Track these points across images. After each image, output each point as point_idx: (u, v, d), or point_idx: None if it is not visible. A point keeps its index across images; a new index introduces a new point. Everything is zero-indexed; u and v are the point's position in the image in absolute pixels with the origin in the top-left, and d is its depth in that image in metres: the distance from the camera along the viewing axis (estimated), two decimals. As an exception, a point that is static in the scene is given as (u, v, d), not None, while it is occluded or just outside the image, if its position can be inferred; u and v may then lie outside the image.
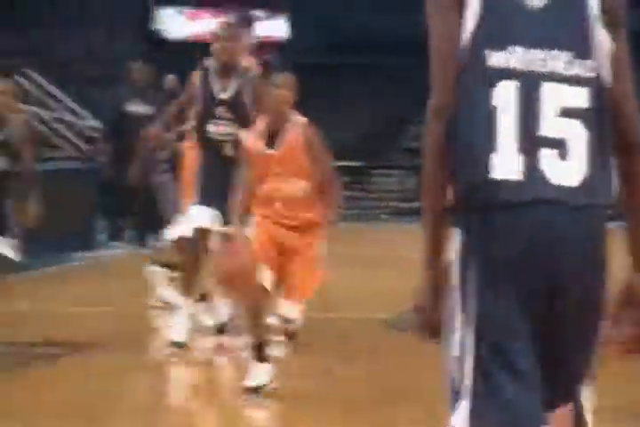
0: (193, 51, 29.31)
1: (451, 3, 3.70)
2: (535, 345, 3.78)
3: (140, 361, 10.78)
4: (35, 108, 21.74)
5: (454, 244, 3.77)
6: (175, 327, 10.18)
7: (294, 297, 7.54)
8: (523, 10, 3.76)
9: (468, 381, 3.76)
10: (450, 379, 3.83)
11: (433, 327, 3.84)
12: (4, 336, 10.68)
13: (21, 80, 21.29)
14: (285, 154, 7.16)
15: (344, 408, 8.63)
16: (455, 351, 3.81)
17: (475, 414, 3.74)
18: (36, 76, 23.73)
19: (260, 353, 8.27)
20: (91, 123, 22.80)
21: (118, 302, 13.22)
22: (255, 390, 8.52)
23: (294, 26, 34.13)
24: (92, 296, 14.16)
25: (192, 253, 9.42)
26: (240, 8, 33.54)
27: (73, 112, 23.97)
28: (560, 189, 3.66)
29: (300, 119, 7.83)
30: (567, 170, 3.70)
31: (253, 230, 7.51)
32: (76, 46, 28.66)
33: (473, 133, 3.73)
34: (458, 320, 3.79)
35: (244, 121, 8.80)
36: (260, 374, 8.35)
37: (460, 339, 3.79)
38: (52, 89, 24.04)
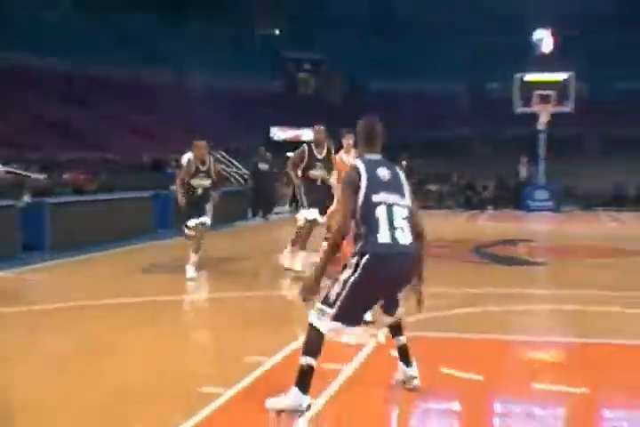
0: (288, 144, 29.37)
1: (353, 185, 3.93)
2: (382, 297, 4.00)
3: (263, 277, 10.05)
4: (223, 166, 21.34)
5: (354, 260, 3.90)
6: (287, 258, 8.85)
7: None
8: (382, 180, 3.98)
9: (339, 301, 3.87)
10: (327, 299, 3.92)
11: (309, 298, 3.93)
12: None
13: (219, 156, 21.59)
14: None
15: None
16: (338, 291, 3.90)
17: (338, 314, 3.86)
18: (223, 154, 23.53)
19: None
20: (244, 172, 22.79)
21: (256, 245, 13.16)
22: None
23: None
24: (245, 242, 14.10)
25: (308, 228, 8.68)
26: (308, 125, 33.37)
27: (237, 167, 23.93)
28: (404, 245, 3.90)
29: None
30: (404, 238, 3.91)
31: None
32: (241, 143, 28.27)
33: (370, 226, 3.89)
34: (343, 281, 3.90)
35: (329, 166, 8.48)
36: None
37: (341, 286, 3.89)
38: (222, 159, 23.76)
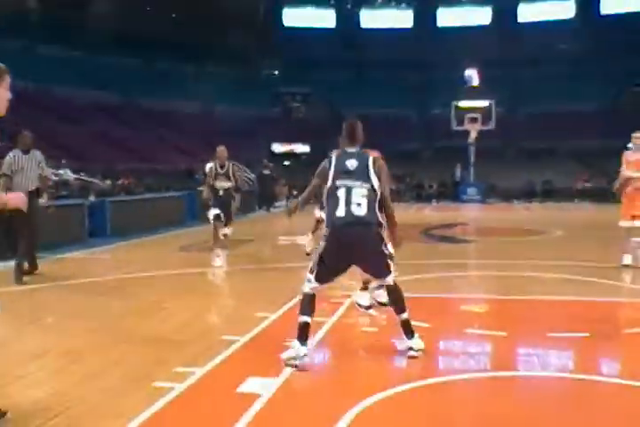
0: (287, 155, 29.23)
1: (323, 173, 3.80)
2: (345, 261, 3.76)
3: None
4: (238, 173, 21.11)
5: (323, 231, 3.84)
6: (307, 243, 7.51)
7: None
8: (347, 169, 3.74)
9: (315, 267, 3.77)
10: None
11: (288, 214, 4.06)
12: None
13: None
14: None
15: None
16: (315, 259, 3.80)
17: (316, 275, 3.76)
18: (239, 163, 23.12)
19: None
20: (252, 176, 22.50)
21: (261, 231, 13.00)
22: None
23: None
24: (252, 229, 13.93)
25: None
26: (300, 141, 32.94)
27: (247, 172, 23.47)
28: (358, 216, 3.66)
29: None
30: (360, 211, 3.67)
31: None
32: (250, 155, 28.12)
33: (332, 205, 3.72)
34: (317, 250, 3.82)
35: None
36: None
37: (316, 255, 3.81)
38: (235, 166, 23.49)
